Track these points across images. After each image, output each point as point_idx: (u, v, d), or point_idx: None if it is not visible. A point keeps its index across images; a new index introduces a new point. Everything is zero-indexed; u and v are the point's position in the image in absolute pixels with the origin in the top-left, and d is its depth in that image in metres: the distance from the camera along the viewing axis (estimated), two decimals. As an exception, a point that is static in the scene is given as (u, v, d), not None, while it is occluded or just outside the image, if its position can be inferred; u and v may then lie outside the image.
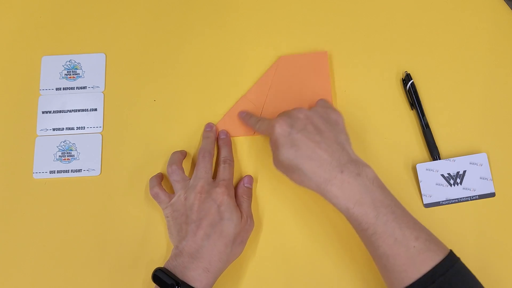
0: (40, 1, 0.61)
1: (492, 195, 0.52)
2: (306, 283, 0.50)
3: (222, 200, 0.47)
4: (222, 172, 0.51)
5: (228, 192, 0.48)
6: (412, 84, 0.55)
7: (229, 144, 0.54)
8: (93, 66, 0.58)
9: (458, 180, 0.52)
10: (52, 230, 0.53)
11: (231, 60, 0.58)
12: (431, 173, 0.52)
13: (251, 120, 0.52)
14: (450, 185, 0.52)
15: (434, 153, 0.53)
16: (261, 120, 0.51)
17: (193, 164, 0.54)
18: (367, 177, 0.43)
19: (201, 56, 0.58)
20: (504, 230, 0.51)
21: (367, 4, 0.59)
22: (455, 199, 0.52)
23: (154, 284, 0.44)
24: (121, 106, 0.57)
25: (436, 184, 0.52)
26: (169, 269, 0.44)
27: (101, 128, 0.56)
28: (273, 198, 0.53)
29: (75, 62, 0.58)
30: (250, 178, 0.53)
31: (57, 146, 0.55)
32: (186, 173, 0.53)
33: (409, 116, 0.55)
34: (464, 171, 0.52)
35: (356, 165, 0.44)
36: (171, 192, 0.51)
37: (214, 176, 0.52)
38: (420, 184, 0.52)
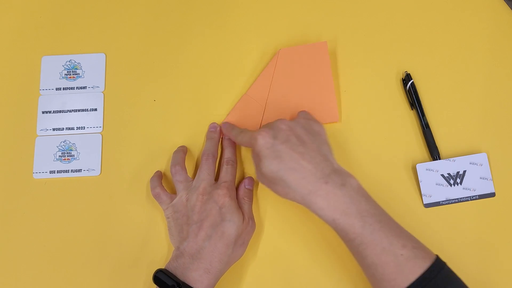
0: (40, 1, 0.61)
1: (492, 195, 0.52)
2: (306, 285, 0.50)
3: (224, 201, 0.47)
4: (225, 174, 0.51)
5: (230, 193, 0.48)
6: (412, 84, 0.55)
7: (233, 145, 0.54)
8: (93, 66, 0.58)
9: (458, 180, 0.52)
10: (52, 230, 0.53)
11: (231, 59, 0.58)
12: (431, 173, 0.52)
13: (234, 132, 0.52)
14: (450, 185, 0.52)
15: (434, 153, 0.53)
16: (243, 132, 0.50)
17: (197, 165, 0.54)
18: (352, 187, 0.43)
19: (201, 56, 0.58)
20: (504, 230, 0.51)
21: (367, 4, 0.59)
22: (455, 199, 0.52)
23: (154, 285, 0.44)
24: (121, 106, 0.57)
25: (436, 184, 0.52)
26: (170, 270, 0.44)
27: (101, 128, 0.56)
28: (274, 200, 0.53)
29: (75, 62, 0.58)
30: (251, 180, 0.53)
31: (57, 146, 0.55)
32: (189, 173, 0.53)
33: (409, 116, 0.55)
34: (464, 171, 0.52)
35: (340, 176, 0.44)
36: (172, 192, 0.51)
37: (217, 176, 0.52)
38: (420, 184, 0.52)
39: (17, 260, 0.52)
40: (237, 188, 0.52)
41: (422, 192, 0.52)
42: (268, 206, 0.53)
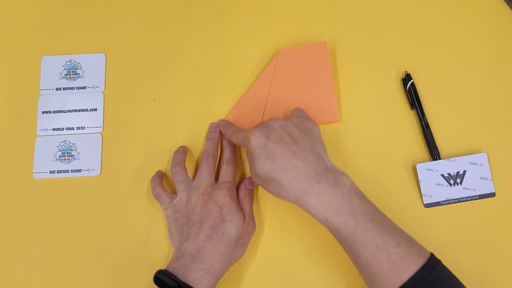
0: (40, 1, 0.61)
1: (492, 195, 0.52)
2: (306, 285, 0.50)
3: (224, 202, 0.47)
4: (225, 174, 0.51)
5: (230, 194, 0.48)
6: (412, 84, 0.55)
7: (233, 145, 0.54)
8: (93, 66, 0.58)
9: (458, 180, 0.52)
10: (52, 230, 0.53)
11: (231, 59, 0.58)
12: (431, 173, 0.52)
13: (229, 130, 0.51)
14: (450, 185, 0.52)
15: (434, 153, 0.53)
16: (238, 131, 0.50)
17: (197, 165, 0.54)
18: (345, 186, 0.43)
19: (201, 56, 0.58)
20: (504, 230, 0.51)
21: (367, 4, 0.59)
22: (455, 199, 0.52)
23: (155, 286, 0.44)
24: (121, 106, 0.57)
25: (436, 184, 0.52)
26: (170, 271, 0.44)
27: (101, 128, 0.56)
28: (274, 200, 0.53)
29: (75, 62, 0.58)
30: (251, 180, 0.53)
31: (57, 146, 0.55)
32: (189, 174, 0.53)
33: (409, 116, 0.55)
34: (464, 171, 0.52)
35: (332, 174, 0.44)
36: (173, 192, 0.51)
37: (217, 176, 0.52)
38: (420, 184, 0.52)
39: (17, 260, 0.52)
40: (237, 188, 0.52)
41: (422, 192, 0.52)
42: (268, 206, 0.53)
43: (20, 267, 0.52)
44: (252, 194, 0.52)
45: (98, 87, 0.57)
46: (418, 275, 0.40)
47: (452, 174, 0.52)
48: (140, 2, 0.60)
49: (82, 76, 0.58)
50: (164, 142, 0.55)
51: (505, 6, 0.58)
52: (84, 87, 0.57)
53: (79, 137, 0.56)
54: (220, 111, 0.56)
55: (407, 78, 0.55)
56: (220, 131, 0.54)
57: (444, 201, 0.52)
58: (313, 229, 0.52)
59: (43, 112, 0.57)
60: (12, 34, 0.60)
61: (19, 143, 0.55)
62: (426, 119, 0.54)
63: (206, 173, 0.50)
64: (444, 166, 0.52)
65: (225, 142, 0.54)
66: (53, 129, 0.56)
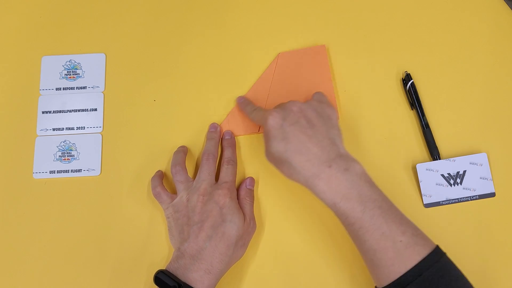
0: (40, 1, 0.61)
1: (492, 195, 0.52)
2: (307, 285, 0.50)
3: (224, 202, 0.47)
4: (225, 174, 0.51)
5: (231, 194, 0.48)
6: (412, 84, 0.55)
7: (233, 145, 0.54)
8: (93, 66, 0.58)
9: (458, 180, 0.52)
10: (52, 230, 0.53)
11: (231, 60, 0.58)
12: (431, 173, 0.52)
13: (248, 108, 0.52)
14: (450, 185, 0.52)
15: (434, 153, 0.53)
16: (256, 110, 0.51)
17: (197, 165, 0.54)
18: (355, 172, 0.43)
19: (201, 56, 0.58)
20: (504, 230, 0.51)
21: (367, 4, 0.59)
22: (455, 199, 0.52)
23: (155, 286, 0.44)
24: (121, 106, 0.57)
25: (436, 184, 0.52)
26: (170, 271, 0.44)
27: (101, 128, 0.56)
28: (275, 200, 0.53)
29: (75, 62, 0.58)
30: (252, 180, 0.53)
31: (57, 146, 0.55)
32: (189, 173, 0.53)
33: (409, 116, 0.55)
34: (464, 171, 0.52)
35: (344, 160, 0.44)
36: (173, 192, 0.51)
37: (218, 176, 0.52)
38: (420, 184, 0.52)
39: (17, 260, 0.52)
40: (238, 188, 0.52)
41: (422, 192, 0.52)
42: (268, 206, 0.53)
43: (20, 267, 0.52)
44: (252, 194, 0.52)
45: (98, 87, 0.57)
46: (422, 264, 0.40)
47: (452, 174, 0.52)
48: (140, 2, 0.60)
49: (82, 76, 0.58)
50: (164, 142, 0.55)
51: (505, 6, 0.58)
52: (84, 87, 0.57)
53: (79, 137, 0.56)
54: (220, 111, 0.56)
55: (407, 78, 0.55)
56: (221, 131, 0.54)
57: (444, 201, 0.52)
58: (313, 229, 0.52)
59: (43, 112, 0.57)
60: (12, 34, 0.60)
61: (19, 143, 0.55)
62: (426, 119, 0.54)
63: (206, 173, 0.50)
64: (444, 166, 0.52)
65: (225, 143, 0.54)
66: (53, 129, 0.56)
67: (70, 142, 0.56)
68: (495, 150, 0.53)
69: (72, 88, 0.57)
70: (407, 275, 0.40)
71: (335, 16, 0.59)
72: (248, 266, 0.51)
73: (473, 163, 0.52)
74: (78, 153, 0.55)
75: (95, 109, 0.57)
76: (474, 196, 0.52)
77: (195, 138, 0.55)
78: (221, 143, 0.54)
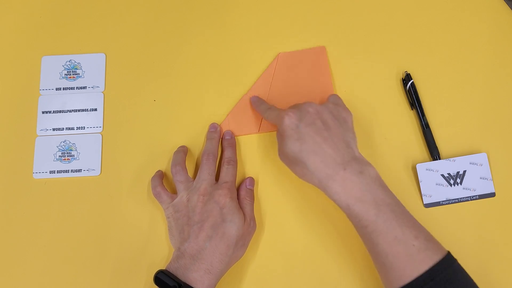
0: (40, 1, 0.61)
1: (492, 195, 0.52)
2: (307, 285, 0.50)
3: (225, 202, 0.47)
4: (225, 174, 0.51)
5: (231, 194, 0.48)
6: (412, 84, 0.55)
7: (234, 145, 0.54)
8: (93, 66, 0.58)
9: (458, 180, 0.52)
10: (52, 230, 0.53)
11: (231, 59, 0.58)
12: (431, 173, 0.52)
13: (262, 107, 0.53)
14: (450, 185, 0.52)
15: (434, 153, 0.53)
16: (271, 109, 0.51)
17: (197, 165, 0.54)
18: (370, 176, 0.44)
19: (201, 56, 0.58)
20: (504, 230, 0.51)
21: (366, 4, 0.59)
22: (455, 199, 0.52)
23: (155, 286, 0.44)
24: (121, 106, 0.57)
25: (436, 184, 0.52)
26: (171, 271, 0.44)
27: (101, 128, 0.56)
28: (275, 200, 0.53)
29: (75, 62, 0.58)
30: (252, 180, 0.53)
31: (57, 146, 0.55)
32: (189, 174, 0.53)
33: (409, 116, 0.55)
34: (464, 171, 0.52)
35: (359, 163, 0.44)
36: (173, 192, 0.51)
37: (218, 176, 0.52)
38: (420, 184, 0.52)
39: (17, 260, 0.52)
40: (238, 188, 0.52)
41: (422, 192, 0.52)
42: (268, 206, 0.53)
43: (20, 267, 0.52)
44: (252, 194, 0.52)
45: (98, 87, 0.57)
46: (434, 269, 0.40)
47: (452, 174, 0.52)
48: (140, 2, 0.60)
49: (82, 76, 0.58)
50: (164, 142, 0.55)
51: (505, 6, 0.58)
52: (84, 87, 0.57)
53: (79, 137, 0.56)
54: (220, 111, 0.56)
55: (407, 78, 0.55)
56: (221, 131, 0.54)
57: (444, 201, 0.52)
58: (313, 229, 0.52)
59: (43, 112, 0.57)
60: (12, 34, 0.60)
61: (19, 143, 0.55)
62: (426, 119, 0.54)
63: (206, 173, 0.50)
64: (444, 166, 0.52)
65: (226, 143, 0.54)
66: (53, 129, 0.56)
67: (70, 142, 0.56)
68: (495, 150, 0.53)
69: (72, 88, 0.57)
70: (419, 280, 0.40)
71: (335, 16, 0.59)
72: (248, 266, 0.51)
73: (473, 163, 0.52)
74: (78, 153, 0.55)
75: (95, 109, 0.57)
76: (474, 196, 0.52)
77: (195, 138, 0.55)
78: (221, 143, 0.54)
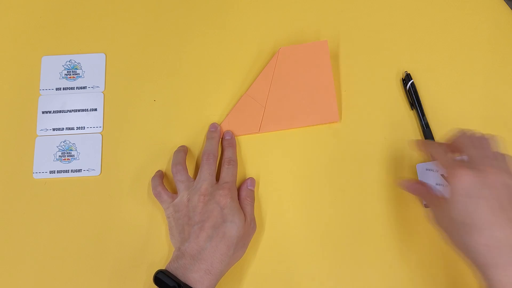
0: (40, 1, 0.61)
1: None
2: (307, 285, 0.50)
3: (225, 202, 0.47)
4: (226, 174, 0.51)
5: (231, 194, 0.48)
6: (412, 84, 0.55)
7: (234, 145, 0.54)
8: (93, 66, 0.58)
9: None
10: (52, 230, 0.53)
11: (231, 59, 0.58)
12: (431, 173, 0.52)
13: (438, 150, 0.45)
14: None
15: (434, 153, 0.53)
16: (447, 156, 0.44)
17: (197, 165, 0.54)
18: None
19: (201, 56, 0.58)
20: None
21: (367, 4, 0.59)
22: None
23: (155, 286, 0.44)
24: (121, 106, 0.57)
25: (437, 184, 0.52)
26: (170, 271, 0.44)
27: (101, 128, 0.56)
28: (275, 200, 0.53)
29: (75, 62, 0.58)
30: (253, 181, 0.53)
31: (57, 146, 0.55)
32: (190, 173, 0.53)
33: (409, 116, 0.55)
34: None
35: None
36: (173, 192, 0.51)
37: (218, 176, 0.52)
38: None
39: (17, 260, 0.52)
40: (238, 189, 0.52)
41: None
42: (269, 206, 0.53)
43: (20, 267, 0.52)
44: (253, 195, 0.52)
45: (98, 87, 0.57)
46: None
47: None
48: (140, 2, 0.60)
49: (82, 76, 0.58)
50: (164, 142, 0.55)
51: (505, 6, 0.58)
52: (84, 87, 0.57)
53: (79, 137, 0.56)
54: (220, 110, 0.56)
55: (407, 78, 0.55)
56: (221, 131, 0.54)
57: None
58: (313, 229, 0.52)
59: (43, 112, 0.57)
60: (12, 34, 0.60)
61: (19, 143, 0.55)
62: (426, 119, 0.54)
63: (207, 173, 0.50)
64: None
65: (226, 143, 0.54)
66: (53, 129, 0.56)
67: (70, 142, 0.56)
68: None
69: (72, 88, 0.57)
70: None
71: (335, 17, 0.59)
72: (248, 267, 0.51)
73: None
74: (78, 153, 0.55)
75: (95, 109, 0.57)
76: None
77: (195, 138, 0.55)
78: (221, 143, 0.54)
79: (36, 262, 0.52)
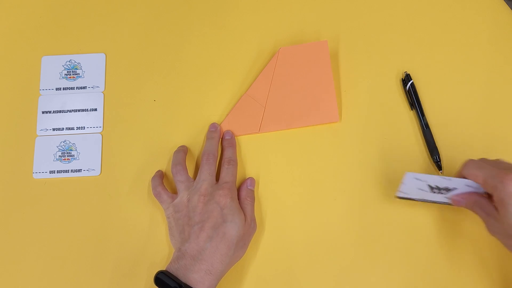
0: (40, 1, 0.61)
1: None
2: (307, 285, 0.50)
3: (225, 202, 0.47)
4: (225, 174, 0.51)
5: (231, 194, 0.48)
6: (412, 84, 0.55)
7: (234, 145, 0.54)
8: (93, 66, 0.58)
9: (444, 192, 0.48)
10: (52, 230, 0.53)
11: (231, 59, 0.58)
12: (419, 183, 0.47)
13: (486, 167, 0.44)
14: (433, 192, 0.48)
15: (434, 153, 0.53)
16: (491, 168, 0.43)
17: (197, 165, 0.54)
18: None
19: (201, 56, 0.58)
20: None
21: (367, 4, 0.59)
22: (432, 201, 0.49)
23: (155, 287, 0.44)
24: (121, 106, 0.57)
25: (418, 189, 0.48)
26: (171, 272, 0.44)
27: (101, 128, 0.56)
28: (275, 200, 0.53)
29: (75, 62, 0.58)
30: (253, 180, 0.53)
31: (57, 146, 0.55)
32: (190, 173, 0.53)
33: (409, 116, 0.55)
34: (455, 188, 0.47)
35: None
36: (173, 192, 0.51)
37: (218, 176, 0.52)
38: (401, 186, 0.47)
39: (17, 260, 0.52)
40: (238, 189, 0.52)
41: (399, 189, 0.48)
42: (269, 206, 0.53)
43: (20, 267, 0.52)
44: (253, 194, 0.52)
45: (98, 87, 0.57)
46: None
47: (440, 187, 0.47)
48: (140, 2, 0.60)
49: (82, 76, 0.58)
50: (164, 142, 0.55)
51: (505, 6, 0.58)
52: (84, 87, 0.57)
53: (79, 137, 0.56)
54: (220, 110, 0.56)
55: (407, 78, 0.55)
56: (221, 131, 0.54)
57: (418, 199, 0.49)
58: (313, 229, 0.52)
59: (43, 112, 0.57)
60: (12, 34, 0.59)
61: (19, 143, 0.55)
62: (426, 119, 0.54)
63: (207, 173, 0.50)
64: (437, 180, 0.46)
65: (226, 143, 0.54)
66: (53, 129, 0.56)
67: (70, 142, 0.56)
68: (495, 150, 0.53)
69: (72, 88, 0.57)
70: None
71: (335, 17, 0.59)
72: (249, 267, 0.51)
73: (469, 186, 0.46)
74: (78, 153, 0.55)
75: (95, 109, 0.57)
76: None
77: (195, 138, 0.55)
78: (221, 143, 0.54)
79: (36, 262, 0.52)
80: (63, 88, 0.57)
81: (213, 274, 0.44)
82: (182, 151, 0.53)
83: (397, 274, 0.50)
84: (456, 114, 0.55)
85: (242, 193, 0.51)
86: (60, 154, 0.55)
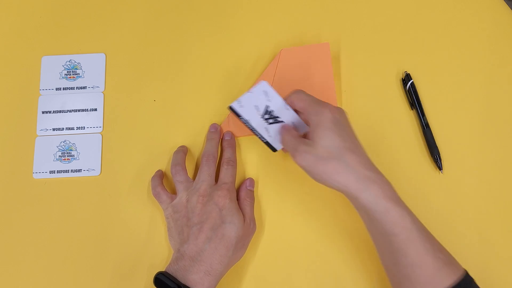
0: (40, 1, 0.61)
1: None
2: (307, 286, 0.50)
3: (224, 203, 0.47)
4: (225, 175, 0.51)
5: (230, 195, 0.48)
6: (412, 84, 0.55)
7: (233, 146, 0.54)
8: (93, 66, 0.58)
9: (271, 121, 0.49)
10: (52, 230, 0.53)
11: (231, 59, 0.58)
12: (262, 97, 0.48)
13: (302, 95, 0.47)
14: None
15: (434, 153, 0.53)
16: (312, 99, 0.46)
17: (197, 165, 0.54)
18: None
19: (201, 56, 0.58)
20: (504, 229, 0.51)
21: (367, 5, 0.59)
22: (253, 128, 0.49)
23: None
24: (121, 106, 0.57)
25: (254, 106, 0.48)
26: (170, 273, 0.44)
27: (101, 128, 0.56)
28: (274, 201, 0.53)
29: (75, 62, 0.58)
30: (252, 181, 0.53)
31: (57, 146, 0.55)
32: (189, 174, 0.53)
33: (409, 116, 0.55)
34: (282, 122, 0.48)
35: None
36: (173, 192, 0.51)
37: (217, 177, 0.52)
38: (246, 94, 0.47)
39: (17, 260, 0.52)
40: (238, 189, 0.52)
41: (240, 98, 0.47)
42: (268, 207, 0.53)
43: (20, 267, 0.52)
44: (252, 195, 0.52)
45: (98, 87, 0.57)
46: (460, 284, 0.39)
47: (273, 115, 0.48)
48: (140, 2, 0.60)
49: (82, 76, 0.58)
50: (164, 142, 0.55)
51: (505, 6, 0.58)
52: (84, 87, 0.57)
53: (79, 137, 0.56)
54: (220, 111, 0.56)
55: (407, 78, 0.55)
56: (221, 132, 0.54)
57: (244, 119, 0.48)
58: (313, 229, 0.52)
59: (43, 112, 0.57)
60: (12, 34, 0.60)
61: (19, 143, 0.55)
62: (426, 119, 0.54)
63: (206, 174, 0.50)
64: (279, 103, 0.48)
65: (225, 143, 0.54)
66: (53, 129, 0.56)
67: (70, 142, 0.56)
68: (495, 150, 0.53)
69: (72, 88, 0.57)
70: None
71: (335, 17, 0.59)
72: (248, 267, 0.51)
73: (294, 123, 0.49)
74: (78, 153, 0.55)
75: (95, 109, 0.57)
76: None
77: (195, 138, 0.55)
78: (221, 143, 0.54)
79: (36, 262, 0.52)
80: (63, 88, 0.57)
81: (212, 275, 0.44)
82: (182, 152, 0.53)
83: (397, 274, 0.50)
84: (456, 114, 0.55)
85: (242, 194, 0.51)
86: (60, 154, 0.55)
